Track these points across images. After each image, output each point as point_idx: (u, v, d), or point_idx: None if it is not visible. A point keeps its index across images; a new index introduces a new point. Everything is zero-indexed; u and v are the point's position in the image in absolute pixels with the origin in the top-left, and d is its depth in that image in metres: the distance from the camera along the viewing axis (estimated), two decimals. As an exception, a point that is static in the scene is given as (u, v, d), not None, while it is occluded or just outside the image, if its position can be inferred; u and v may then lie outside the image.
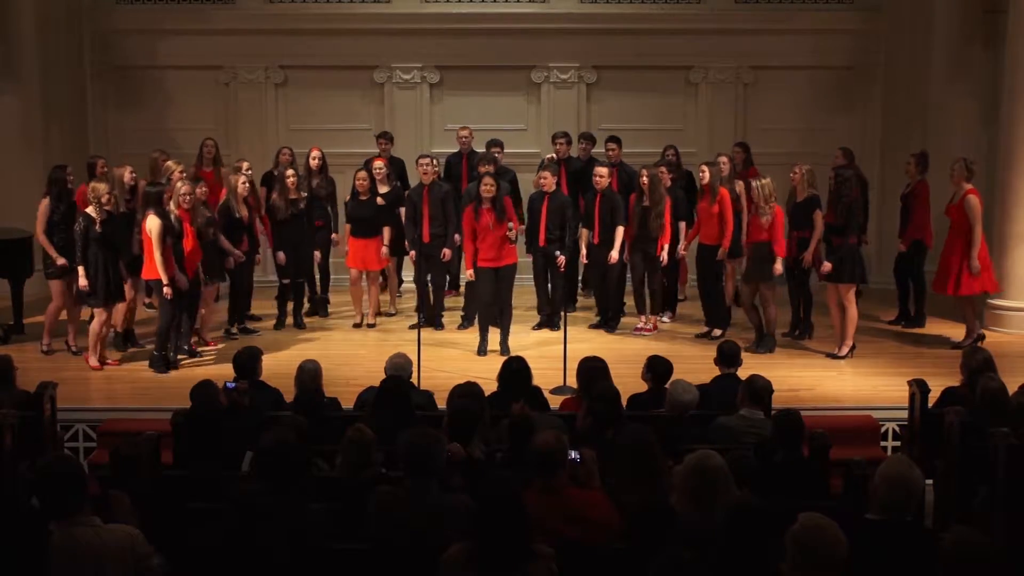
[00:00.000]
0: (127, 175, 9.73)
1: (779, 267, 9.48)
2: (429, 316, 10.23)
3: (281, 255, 10.27)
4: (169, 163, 9.81)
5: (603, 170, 10.22)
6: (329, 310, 11.05)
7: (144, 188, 9.15)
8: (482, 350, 9.59)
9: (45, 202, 9.46)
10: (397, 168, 11.16)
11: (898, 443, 7.81)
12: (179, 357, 9.19)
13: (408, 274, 11.41)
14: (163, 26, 12.52)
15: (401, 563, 4.53)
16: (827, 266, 9.24)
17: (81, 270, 8.80)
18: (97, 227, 8.80)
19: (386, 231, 10.42)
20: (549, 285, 10.44)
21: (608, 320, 10.50)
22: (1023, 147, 10.19)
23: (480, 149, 11.11)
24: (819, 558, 3.83)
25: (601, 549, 4.59)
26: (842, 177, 9.42)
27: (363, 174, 10.42)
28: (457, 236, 10.24)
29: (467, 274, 9.79)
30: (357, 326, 10.54)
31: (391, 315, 10.95)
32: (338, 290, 11.27)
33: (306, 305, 10.82)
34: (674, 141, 11.30)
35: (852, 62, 12.67)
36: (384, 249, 10.45)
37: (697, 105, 12.80)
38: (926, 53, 11.82)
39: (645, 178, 9.96)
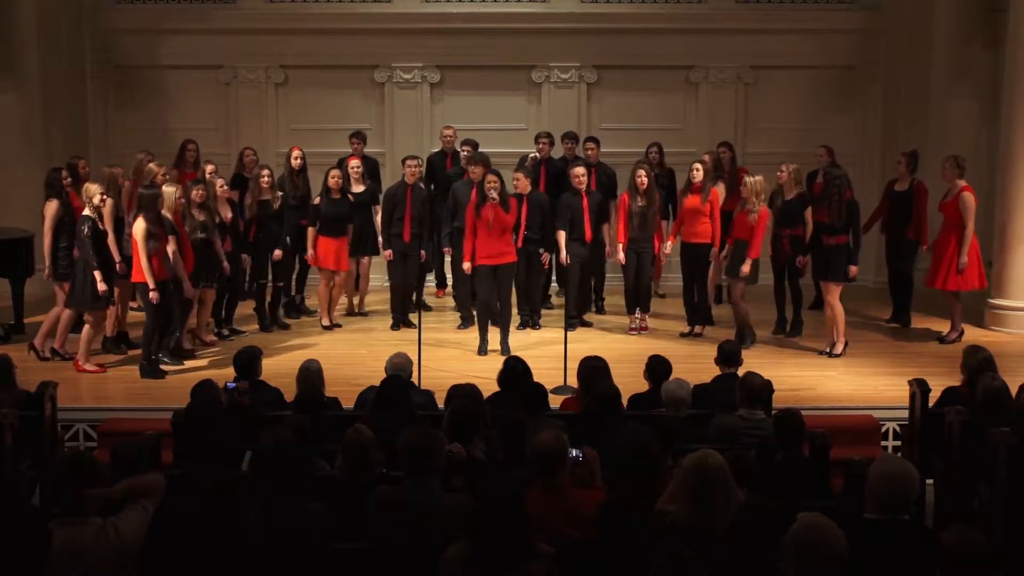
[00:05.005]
0: (120, 178, 9.69)
1: (747, 268, 9.52)
2: (403, 315, 10.43)
3: (246, 257, 10.20)
4: (151, 165, 9.73)
5: (580, 169, 10.22)
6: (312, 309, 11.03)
7: (139, 191, 9.11)
8: (482, 350, 9.60)
9: (55, 205, 9.38)
10: (370, 167, 11.12)
11: (898, 443, 7.81)
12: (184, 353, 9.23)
13: (381, 275, 11.36)
14: (163, 26, 12.53)
15: (401, 563, 4.53)
16: (853, 271, 9.31)
17: (98, 274, 8.72)
18: (101, 227, 8.79)
19: (350, 230, 10.41)
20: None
21: (576, 316, 10.46)
22: (1023, 147, 10.20)
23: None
24: (819, 558, 3.83)
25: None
26: (831, 176, 9.49)
27: (336, 172, 10.38)
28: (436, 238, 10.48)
29: (464, 266, 9.78)
30: (328, 328, 10.48)
31: (364, 315, 10.97)
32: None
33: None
34: (674, 141, 11.34)
35: (852, 62, 12.68)
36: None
37: (697, 105, 12.80)
38: (926, 53, 11.83)
39: (643, 177, 9.96)
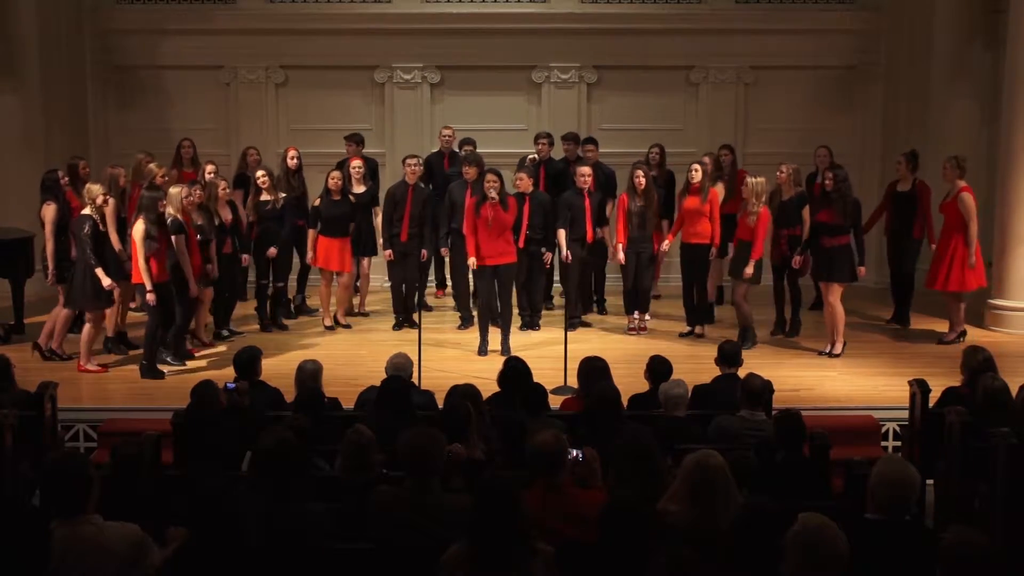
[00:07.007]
0: (121, 179, 9.69)
1: (750, 269, 9.53)
2: (406, 314, 10.40)
3: (246, 256, 10.20)
4: (151, 166, 9.73)
5: (587, 169, 10.22)
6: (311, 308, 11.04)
7: (141, 193, 9.09)
8: (482, 350, 9.59)
9: (53, 209, 9.38)
10: (370, 168, 11.10)
11: (899, 443, 7.81)
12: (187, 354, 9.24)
13: (381, 275, 11.33)
14: (163, 26, 12.53)
15: (401, 563, 4.53)
16: (862, 271, 9.37)
17: (100, 271, 8.71)
18: (101, 227, 8.79)
19: (352, 229, 10.40)
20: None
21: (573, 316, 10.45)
22: (1023, 147, 10.20)
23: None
24: (820, 558, 3.83)
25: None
26: (840, 176, 9.46)
27: (336, 173, 10.37)
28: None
29: (470, 262, 9.71)
30: (330, 328, 10.47)
31: (365, 315, 10.96)
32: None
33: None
34: (674, 141, 11.34)
35: (852, 62, 12.68)
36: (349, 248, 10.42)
37: (697, 105, 12.80)
38: (926, 53, 11.84)
39: (641, 178, 9.97)
